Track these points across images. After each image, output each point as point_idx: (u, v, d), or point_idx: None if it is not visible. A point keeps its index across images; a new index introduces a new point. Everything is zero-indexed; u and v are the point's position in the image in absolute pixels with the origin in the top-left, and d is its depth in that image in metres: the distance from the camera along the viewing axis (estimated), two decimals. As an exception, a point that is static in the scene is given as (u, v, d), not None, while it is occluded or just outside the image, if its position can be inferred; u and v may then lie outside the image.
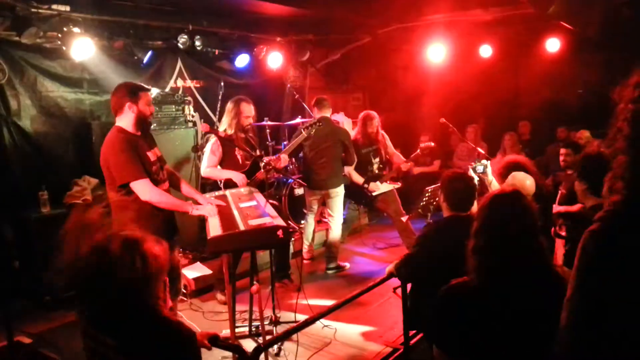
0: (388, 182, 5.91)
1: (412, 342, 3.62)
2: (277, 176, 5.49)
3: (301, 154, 5.88)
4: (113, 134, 3.50)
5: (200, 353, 2.05)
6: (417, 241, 3.24)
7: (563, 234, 4.13)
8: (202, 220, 4.06)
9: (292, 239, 5.90)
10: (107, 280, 1.87)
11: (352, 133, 6.03)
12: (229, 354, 3.62)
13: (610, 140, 1.43)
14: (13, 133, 5.02)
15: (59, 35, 4.83)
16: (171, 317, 2.01)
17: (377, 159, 5.96)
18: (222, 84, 6.28)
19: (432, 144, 5.99)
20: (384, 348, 4.00)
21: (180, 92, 6.15)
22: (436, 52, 7.76)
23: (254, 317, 4.20)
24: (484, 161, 4.07)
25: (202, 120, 6.35)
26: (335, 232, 5.79)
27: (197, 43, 5.93)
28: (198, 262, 5.42)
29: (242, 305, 4.51)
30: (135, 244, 1.94)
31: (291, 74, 7.52)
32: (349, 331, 4.32)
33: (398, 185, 5.99)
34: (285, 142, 6.79)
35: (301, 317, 4.07)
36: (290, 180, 6.26)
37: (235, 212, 3.51)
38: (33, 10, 4.59)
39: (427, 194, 4.77)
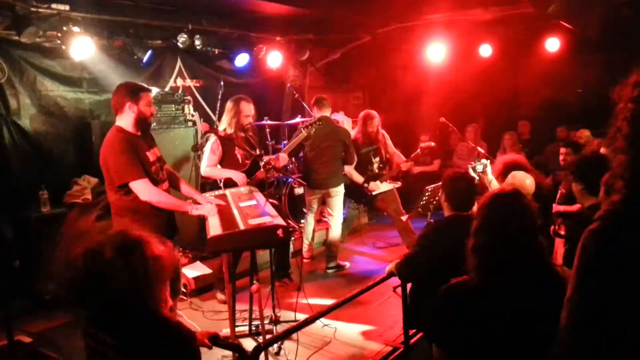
0: (388, 181, 5.91)
1: (412, 341, 3.63)
2: (277, 175, 5.48)
3: (301, 154, 5.88)
4: (112, 134, 3.50)
5: (200, 353, 2.05)
6: (418, 241, 3.24)
7: (562, 233, 4.14)
8: (201, 220, 4.06)
9: (292, 238, 5.90)
10: (108, 281, 1.87)
11: (352, 132, 6.04)
12: (229, 353, 3.62)
13: (610, 139, 1.43)
14: (13, 132, 5.01)
15: (59, 34, 4.83)
16: (171, 318, 2.01)
17: (377, 159, 5.96)
18: (222, 83, 6.28)
19: (432, 143, 5.99)
20: (384, 347, 4.01)
21: (180, 91, 6.14)
22: (436, 52, 7.76)
23: (254, 316, 4.20)
24: (483, 160, 4.07)
25: (202, 119, 6.34)
26: (335, 231, 5.79)
27: (197, 42, 5.93)
28: (198, 262, 5.42)
29: (242, 304, 4.51)
30: (136, 245, 1.94)
31: (291, 73, 7.51)
32: (349, 330, 4.32)
33: (398, 184, 6.00)
34: (285, 142, 6.79)
35: (301, 316, 4.08)
36: (290, 179, 6.26)
37: (235, 212, 3.51)
38: (32, 9, 4.58)
39: (427, 193, 4.77)
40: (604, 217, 1.40)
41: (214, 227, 3.23)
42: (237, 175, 4.55)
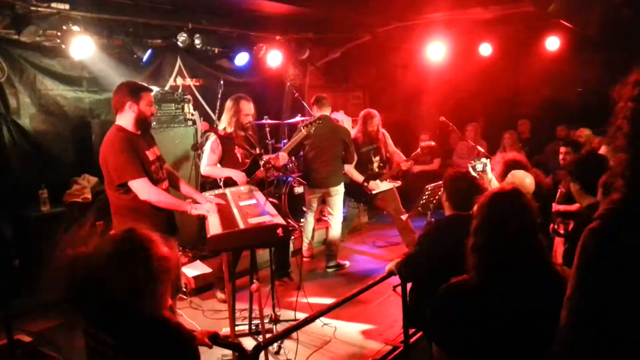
0: (388, 180, 5.91)
1: (411, 340, 3.63)
2: (277, 174, 5.48)
3: (301, 153, 5.88)
4: (112, 133, 3.50)
5: (199, 354, 2.05)
6: (418, 240, 3.24)
7: (562, 232, 4.14)
8: (201, 219, 4.06)
9: (292, 237, 5.90)
10: (110, 281, 1.87)
11: (352, 131, 6.03)
12: (229, 352, 3.62)
13: (610, 138, 1.43)
14: (12, 132, 5.01)
15: (58, 33, 4.83)
16: (171, 318, 2.01)
17: (378, 158, 5.96)
18: (222, 82, 6.27)
19: (433, 143, 5.99)
20: (384, 346, 4.01)
21: (179, 90, 6.14)
22: (436, 51, 7.76)
23: (253, 315, 4.20)
24: (483, 159, 4.07)
25: (202, 118, 6.34)
26: (335, 230, 5.79)
27: (197, 41, 5.92)
28: (198, 261, 5.42)
29: (242, 303, 4.51)
30: (143, 246, 1.94)
31: (291, 73, 7.52)
32: (349, 329, 4.32)
33: (398, 183, 6.00)
34: (284, 141, 6.79)
35: (301, 316, 4.07)
36: (290, 178, 6.26)
37: (235, 211, 3.51)
38: (32, 8, 4.58)
39: (427, 192, 4.77)
40: (604, 216, 1.40)
41: (214, 226, 3.23)
42: (237, 175, 4.55)
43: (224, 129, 4.73)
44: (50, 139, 5.30)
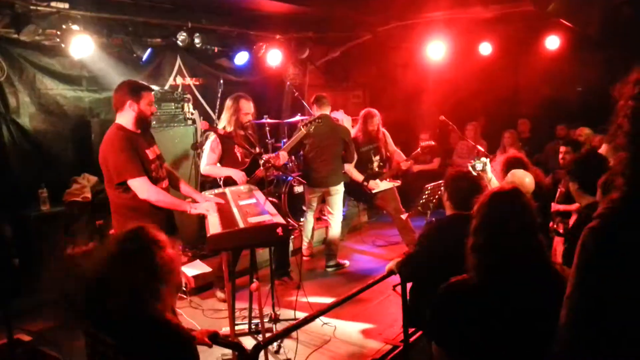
0: (388, 180, 5.91)
1: (411, 339, 3.63)
2: (277, 174, 5.48)
3: (301, 152, 5.88)
4: (112, 132, 3.50)
5: (198, 355, 2.05)
6: (418, 240, 3.25)
7: (561, 231, 4.14)
8: (201, 218, 4.07)
9: (292, 236, 5.90)
10: (115, 281, 1.87)
11: (352, 131, 6.03)
12: (228, 351, 3.62)
13: (611, 136, 1.42)
14: (12, 131, 5.01)
15: (58, 32, 4.82)
16: (171, 319, 2.01)
17: (378, 157, 5.96)
18: (222, 81, 6.27)
19: (433, 142, 6.00)
20: (384, 345, 4.01)
21: (179, 89, 6.14)
22: (436, 50, 7.75)
23: (253, 314, 4.20)
24: (483, 159, 4.07)
25: (202, 118, 6.34)
26: (335, 229, 5.79)
27: (197, 40, 5.92)
28: (197, 260, 5.42)
29: (241, 302, 4.51)
30: (151, 247, 1.94)
31: (291, 72, 7.51)
32: (349, 329, 4.33)
33: (398, 183, 6.00)
34: (284, 140, 6.79)
35: (301, 315, 4.07)
36: (289, 177, 6.26)
37: (235, 210, 3.51)
38: (32, 7, 4.58)
39: (426, 192, 4.77)
40: (603, 215, 1.40)
41: (214, 226, 3.23)
42: (237, 174, 4.55)
43: (224, 128, 4.73)
44: (50, 138, 5.30)
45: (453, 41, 7.64)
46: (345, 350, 4.01)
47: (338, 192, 5.73)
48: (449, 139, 8.63)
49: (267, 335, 3.55)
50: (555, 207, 4.23)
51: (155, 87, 5.61)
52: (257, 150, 4.77)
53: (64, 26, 4.80)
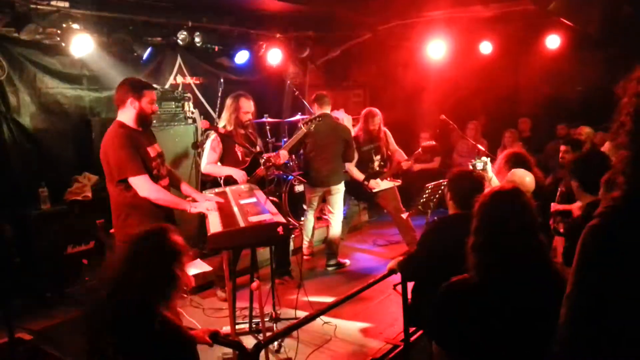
0: (388, 179, 5.91)
1: (412, 338, 3.63)
2: (277, 173, 5.48)
3: (301, 151, 5.88)
4: (114, 129, 3.50)
5: (198, 355, 2.06)
6: (419, 239, 3.25)
7: (562, 231, 4.14)
8: (202, 217, 4.07)
9: (292, 235, 5.90)
10: (136, 281, 1.90)
11: (353, 130, 6.03)
12: (229, 350, 3.62)
13: (613, 134, 1.42)
14: (13, 130, 5.00)
15: (58, 31, 4.82)
16: (172, 319, 2.01)
17: (378, 157, 5.96)
18: (222, 80, 6.27)
19: (434, 142, 6.00)
20: (384, 345, 4.01)
21: (179, 88, 6.13)
22: (436, 49, 7.75)
23: (254, 313, 4.20)
24: (484, 158, 4.07)
25: (202, 117, 6.33)
26: (336, 228, 5.79)
27: (197, 39, 5.91)
28: (198, 259, 5.40)
29: (242, 302, 4.52)
30: (175, 254, 1.97)
31: (291, 71, 7.50)
32: (349, 328, 4.33)
33: (398, 182, 6.00)
34: (285, 139, 6.78)
35: (301, 314, 4.07)
36: (290, 177, 6.26)
37: (235, 209, 3.51)
38: (32, 6, 4.57)
39: (427, 191, 4.77)
40: (604, 213, 1.40)
41: (214, 225, 3.23)
42: (237, 173, 4.55)
43: (224, 127, 4.73)
44: (50, 137, 5.29)
45: (453, 40, 7.63)
46: (345, 349, 4.01)
47: (339, 191, 5.72)
48: (449, 138, 8.62)
49: (268, 334, 3.56)
50: (555, 206, 4.23)
51: (155, 86, 5.60)
52: (258, 149, 4.77)
53: (64, 25, 4.80)
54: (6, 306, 3.73)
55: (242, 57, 6.61)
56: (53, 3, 4.69)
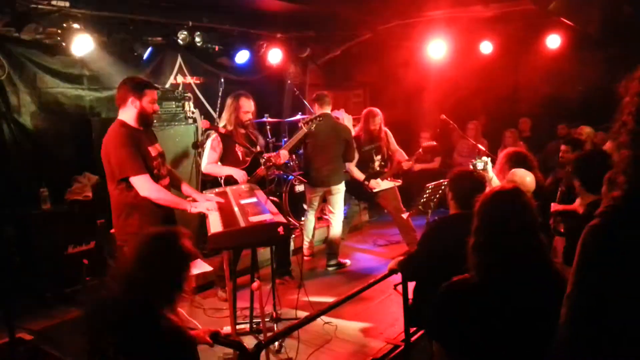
0: (389, 179, 5.91)
1: (412, 339, 3.63)
2: (278, 173, 5.47)
3: (301, 151, 5.87)
4: (115, 128, 3.50)
5: (198, 356, 2.06)
6: (420, 239, 3.25)
7: (562, 231, 4.14)
8: (202, 217, 4.07)
9: (293, 235, 5.90)
10: (144, 282, 1.91)
11: (353, 130, 6.03)
12: (230, 350, 3.62)
13: (615, 134, 1.42)
14: (13, 130, 5.00)
15: (59, 31, 4.82)
16: (173, 319, 2.02)
17: (379, 157, 5.96)
18: (222, 80, 6.26)
19: (435, 143, 6.00)
20: (385, 345, 4.01)
21: (180, 88, 6.13)
22: (436, 49, 7.74)
23: (254, 314, 4.20)
24: (484, 158, 4.07)
25: (203, 116, 6.34)
26: (336, 228, 5.79)
27: (197, 39, 5.91)
28: (198, 259, 5.41)
29: (242, 302, 4.51)
30: (188, 259, 1.99)
31: (291, 71, 7.50)
32: (350, 328, 4.33)
33: (399, 182, 6.00)
34: (285, 139, 6.78)
35: (302, 314, 4.08)
36: (290, 176, 6.26)
37: (236, 209, 3.51)
38: (32, 6, 4.57)
39: (427, 191, 4.77)
40: (604, 213, 1.40)
41: (215, 225, 3.24)
42: (238, 173, 4.55)
43: (224, 126, 4.73)
44: (51, 137, 5.29)
45: (454, 40, 7.63)
46: (346, 349, 4.01)
47: (339, 191, 5.72)
48: (449, 138, 8.62)
49: (269, 334, 3.56)
50: (555, 207, 4.23)
51: (156, 86, 5.60)
52: (258, 148, 4.77)
53: (64, 25, 4.79)
54: (7, 306, 3.73)
55: (242, 56, 6.61)
56: (53, 3, 4.68)
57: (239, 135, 4.70)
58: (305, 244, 6.07)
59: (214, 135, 4.72)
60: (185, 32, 5.77)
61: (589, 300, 1.38)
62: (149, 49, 5.64)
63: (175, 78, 6.35)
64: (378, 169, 5.94)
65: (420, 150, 5.82)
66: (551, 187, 4.68)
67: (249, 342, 3.87)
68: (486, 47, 7.98)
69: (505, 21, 7.20)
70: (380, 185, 5.81)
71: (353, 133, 5.88)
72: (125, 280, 1.95)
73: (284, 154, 4.94)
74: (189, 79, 6.53)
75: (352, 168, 5.80)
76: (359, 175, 5.80)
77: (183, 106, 5.82)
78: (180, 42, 5.80)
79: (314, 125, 4.96)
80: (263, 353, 3.02)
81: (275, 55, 6.77)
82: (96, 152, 3.72)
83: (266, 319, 3.73)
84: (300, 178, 5.50)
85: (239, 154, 4.73)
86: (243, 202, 3.70)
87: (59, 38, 4.90)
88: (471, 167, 3.95)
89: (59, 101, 5.37)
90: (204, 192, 4.21)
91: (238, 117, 4.72)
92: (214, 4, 5.98)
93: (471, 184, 3.10)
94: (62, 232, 4.81)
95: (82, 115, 5.52)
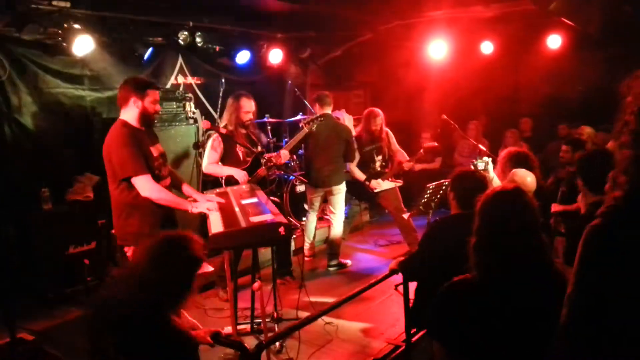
0: (390, 179, 5.91)
1: (413, 339, 3.62)
2: (279, 173, 5.47)
3: (301, 151, 5.87)
4: (117, 127, 3.50)
5: (199, 357, 2.06)
6: (421, 239, 3.25)
7: (563, 231, 4.14)
8: (203, 217, 4.08)
9: (294, 236, 5.90)
10: (155, 283, 1.91)
11: (354, 130, 6.03)
12: (231, 351, 3.62)
13: (617, 133, 1.42)
14: (14, 130, 5.00)
15: (60, 31, 4.82)
16: (174, 320, 2.02)
17: (380, 157, 5.96)
18: (223, 80, 6.27)
19: (436, 144, 6.00)
20: (386, 345, 4.01)
21: (181, 88, 6.13)
22: (437, 49, 7.74)
23: (255, 314, 4.20)
24: (485, 158, 4.06)
25: (203, 117, 6.34)
26: (337, 229, 5.79)
27: (198, 39, 5.91)
28: (199, 259, 5.41)
29: (243, 302, 4.51)
30: (198, 263, 2.00)
31: (292, 71, 7.51)
32: (351, 328, 4.33)
33: (400, 183, 6.00)
34: (286, 139, 6.79)
35: (303, 314, 4.08)
36: (291, 177, 6.26)
37: (237, 209, 3.51)
38: (33, 6, 4.57)
39: (428, 191, 4.77)
40: (605, 213, 1.40)
41: (216, 225, 3.24)
42: (238, 173, 4.55)
43: (225, 126, 4.73)
44: (51, 137, 5.29)
45: (454, 40, 7.63)
46: (347, 349, 4.01)
47: (340, 191, 5.72)
48: (450, 138, 8.61)
49: (269, 334, 3.56)
50: (555, 207, 4.22)
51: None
52: (259, 149, 4.77)
53: (65, 25, 4.79)
54: (7, 306, 3.73)
55: (243, 57, 6.61)
56: (54, 3, 4.68)
57: (239, 135, 4.70)
58: (306, 246, 6.07)
59: (214, 135, 4.72)
60: (186, 33, 5.78)
61: (589, 300, 1.38)
62: (150, 49, 5.64)
63: (176, 78, 6.35)
64: (379, 169, 5.94)
65: (422, 150, 5.82)
66: (552, 188, 4.68)
67: (250, 342, 3.87)
68: (487, 48, 7.98)
69: (505, 21, 7.20)
70: (381, 185, 5.81)
71: (354, 133, 5.88)
72: (135, 280, 1.95)
73: (284, 154, 4.94)
74: (190, 79, 6.53)
75: (353, 168, 5.80)
76: (360, 176, 5.80)
77: (184, 106, 5.82)
78: (181, 42, 5.80)
79: (315, 126, 4.97)
80: (264, 353, 3.02)
81: (275, 56, 6.77)
82: (97, 152, 3.72)
83: (267, 319, 3.73)
84: (301, 178, 5.50)
85: (240, 154, 4.73)
86: (244, 202, 3.70)
87: (59, 38, 4.90)
88: (472, 167, 3.95)
89: (59, 101, 5.37)
90: (204, 192, 4.21)
91: (239, 118, 4.73)
92: (215, 5, 5.98)
93: (473, 184, 3.09)
94: (63, 232, 4.81)
95: (83, 116, 5.52)
